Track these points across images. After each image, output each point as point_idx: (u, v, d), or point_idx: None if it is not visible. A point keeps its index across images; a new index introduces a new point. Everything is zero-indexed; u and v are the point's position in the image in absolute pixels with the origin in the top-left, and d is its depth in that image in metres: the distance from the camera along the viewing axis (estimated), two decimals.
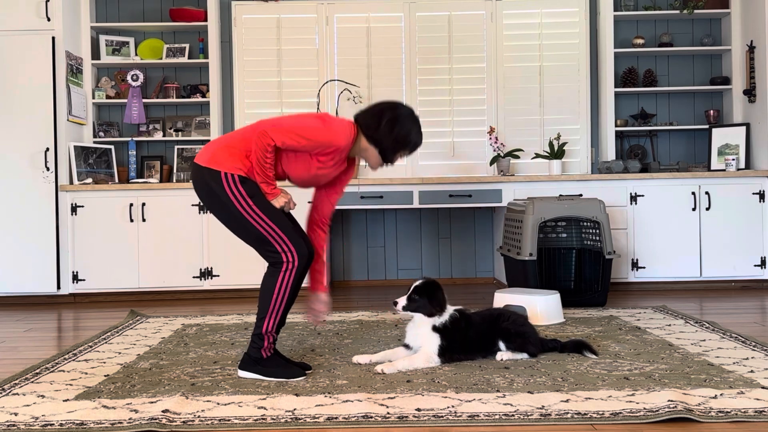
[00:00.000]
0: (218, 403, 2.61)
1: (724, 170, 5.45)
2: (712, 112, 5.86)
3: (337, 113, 5.80)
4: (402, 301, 3.11)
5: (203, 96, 5.82)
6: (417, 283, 3.14)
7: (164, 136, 5.88)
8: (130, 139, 5.79)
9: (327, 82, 5.86)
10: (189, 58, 5.85)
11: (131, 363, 3.30)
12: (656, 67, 5.98)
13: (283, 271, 2.96)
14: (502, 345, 3.20)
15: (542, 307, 4.07)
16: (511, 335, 3.20)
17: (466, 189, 5.39)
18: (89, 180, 5.44)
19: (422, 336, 3.12)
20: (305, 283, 3.12)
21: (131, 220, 5.33)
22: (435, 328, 3.11)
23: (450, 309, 3.17)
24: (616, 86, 5.79)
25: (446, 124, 5.93)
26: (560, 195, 5.02)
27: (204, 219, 5.34)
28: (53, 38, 5.30)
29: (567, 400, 2.57)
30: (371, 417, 2.42)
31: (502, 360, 3.17)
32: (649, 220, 5.34)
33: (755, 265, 5.34)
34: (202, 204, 3.14)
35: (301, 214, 3.30)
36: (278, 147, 2.95)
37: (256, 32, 5.92)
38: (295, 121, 2.99)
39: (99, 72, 5.95)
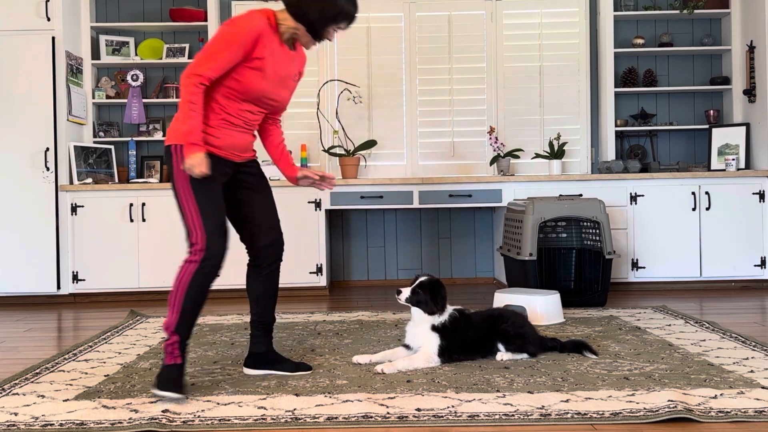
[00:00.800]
0: (218, 403, 2.61)
1: (724, 170, 5.45)
2: (712, 112, 5.86)
3: (337, 113, 5.80)
4: (406, 291, 3.12)
5: None
6: (422, 278, 3.15)
7: (164, 136, 5.87)
8: (130, 139, 5.79)
9: (327, 82, 5.85)
10: (189, 58, 5.84)
11: (131, 363, 3.30)
12: (656, 67, 5.98)
13: (185, 261, 2.74)
14: (501, 346, 3.20)
15: (542, 307, 4.07)
16: (510, 337, 3.20)
17: (466, 189, 5.39)
18: (89, 180, 5.44)
19: (422, 336, 3.13)
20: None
21: (131, 220, 5.33)
22: (434, 328, 3.12)
23: (449, 309, 3.17)
24: (616, 86, 5.79)
25: (446, 124, 5.93)
26: (560, 195, 5.02)
27: None
28: (53, 38, 5.30)
29: (567, 400, 2.56)
30: (371, 417, 2.42)
31: (502, 360, 3.17)
32: (649, 220, 5.34)
33: (755, 265, 5.34)
34: None
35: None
36: (215, 79, 2.70)
37: None
38: (206, 47, 2.72)
39: (99, 72, 5.95)
